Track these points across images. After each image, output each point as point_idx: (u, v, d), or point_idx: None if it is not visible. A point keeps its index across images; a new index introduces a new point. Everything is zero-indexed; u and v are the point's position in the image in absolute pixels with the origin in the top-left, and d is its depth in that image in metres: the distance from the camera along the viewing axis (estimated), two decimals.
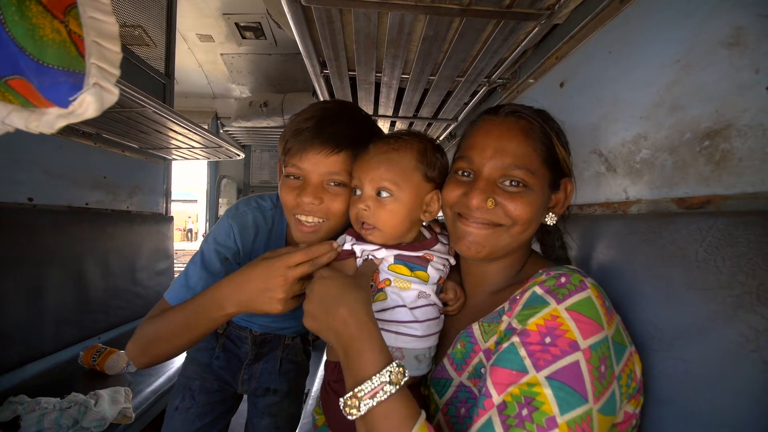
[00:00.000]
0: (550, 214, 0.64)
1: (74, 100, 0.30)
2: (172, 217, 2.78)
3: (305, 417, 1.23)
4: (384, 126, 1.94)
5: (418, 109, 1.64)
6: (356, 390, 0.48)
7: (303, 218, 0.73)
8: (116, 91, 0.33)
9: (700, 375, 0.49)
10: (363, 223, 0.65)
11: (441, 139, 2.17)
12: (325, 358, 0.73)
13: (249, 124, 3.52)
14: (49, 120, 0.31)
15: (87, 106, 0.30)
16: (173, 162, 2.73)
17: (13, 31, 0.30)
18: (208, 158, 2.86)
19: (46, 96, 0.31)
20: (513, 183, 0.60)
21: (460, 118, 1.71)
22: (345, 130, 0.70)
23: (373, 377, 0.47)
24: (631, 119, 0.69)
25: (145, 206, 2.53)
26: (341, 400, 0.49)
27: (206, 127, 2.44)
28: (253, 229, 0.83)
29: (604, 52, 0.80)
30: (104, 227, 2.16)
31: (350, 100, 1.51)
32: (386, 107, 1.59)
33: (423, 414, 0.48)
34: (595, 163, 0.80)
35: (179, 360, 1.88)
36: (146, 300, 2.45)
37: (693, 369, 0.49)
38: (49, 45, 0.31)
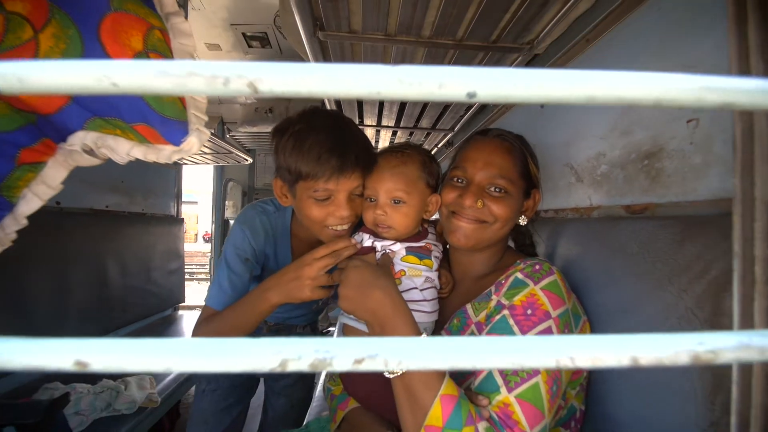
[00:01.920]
0: (522, 216, 0.79)
1: (184, 141, 0.44)
2: (182, 219, 2.92)
3: (315, 400, 1.37)
4: (386, 134, 2.09)
5: (418, 120, 1.79)
6: None
7: (335, 226, 0.82)
8: (208, 133, 0.47)
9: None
10: (378, 225, 0.79)
11: (440, 146, 2.32)
12: (338, 332, 0.87)
13: (255, 129, 3.66)
14: (166, 154, 0.45)
15: (192, 145, 0.44)
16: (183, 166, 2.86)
17: (145, 95, 0.45)
18: (217, 163, 3.00)
19: (166, 138, 0.45)
20: (497, 189, 0.74)
21: (456, 128, 1.86)
22: (359, 152, 0.79)
23: None
24: (594, 139, 0.84)
25: (157, 208, 2.66)
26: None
27: (212, 131, 2.58)
28: (262, 231, 0.94)
29: None
30: (122, 228, 2.29)
31: (356, 112, 1.65)
32: (389, 119, 1.74)
33: (447, 372, 0.61)
34: (567, 175, 0.94)
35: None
36: (159, 298, 2.59)
37: (619, 330, 0.64)
38: (167, 103, 0.45)
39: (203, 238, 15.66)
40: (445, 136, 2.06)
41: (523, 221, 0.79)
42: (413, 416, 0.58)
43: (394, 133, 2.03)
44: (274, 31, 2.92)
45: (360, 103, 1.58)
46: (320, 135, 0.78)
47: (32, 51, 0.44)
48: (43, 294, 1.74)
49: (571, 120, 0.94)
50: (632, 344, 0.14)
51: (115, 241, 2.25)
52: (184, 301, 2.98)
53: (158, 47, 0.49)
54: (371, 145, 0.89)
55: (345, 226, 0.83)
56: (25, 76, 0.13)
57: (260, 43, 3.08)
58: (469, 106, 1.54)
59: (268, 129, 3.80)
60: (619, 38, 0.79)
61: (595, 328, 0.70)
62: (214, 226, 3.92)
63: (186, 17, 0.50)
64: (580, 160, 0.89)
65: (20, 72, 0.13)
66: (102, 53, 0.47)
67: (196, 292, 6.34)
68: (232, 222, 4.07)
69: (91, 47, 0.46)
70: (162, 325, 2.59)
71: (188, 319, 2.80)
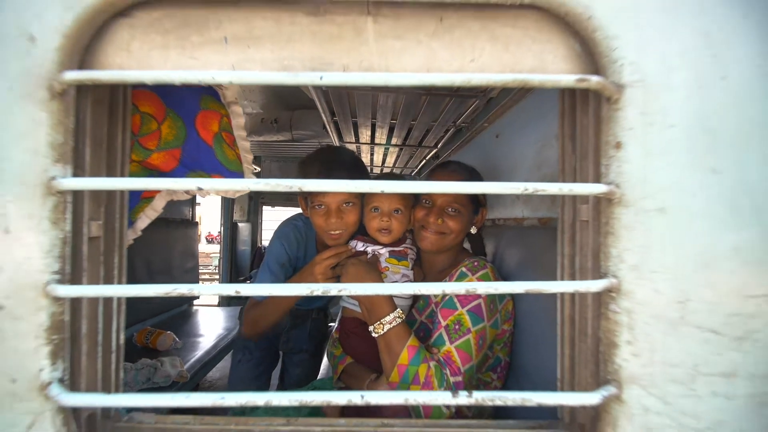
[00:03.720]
0: (473, 227, 1.09)
1: None
2: (197, 222, 3.22)
3: (322, 370, 1.69)
4: (380, 150, 2.39)
5: (406, 139, 2.09)
6: (382, 320, 0.90)
7: (331, 231, 1.13)
8: (254, 178, 0.76)
9: (536, 312, 0.94)
10: (381, 230, 1.08)
11: (428, 158, 2.62)
12: (340, 315, 1.18)
13: (260, 138, 3.95)
14: (231, 193, 0.75)
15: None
16: None
17: (218, 155, 0.74)
18: None
19: None
20: (453, 210, 1.04)
21: (440, 145, 2.16)
22: (343, 173, 1.08)
23: (390, 314, 0.90)
24: (525, 167, 1.14)
25: (175, 213, 2.97)
26: (371, 327, 0.91)
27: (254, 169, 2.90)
28: (294, 241, 1.27)
29: (517, 121, 1.25)
30: (146, 230, 2.58)
31: (352, 134, 1.95)
32: (380, 138, 2.04)
33: (412, 332, 0.91)
34: (514, 195, 1.24)
35: (207, 342, 2.33)
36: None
37: (533, 309, 0.95)
38: (231, 160, 0.75)
39: (206, 239, 15.90)
40: (430, 151, 2.36)
41: (474, 230, 1.10)
42: (390, 360, 0.88)
43: (387, 149, 2.33)
44: None
45: (356, 127, 1.88)
46: (317, 163, 1.12)
47: (157, 136, 0.73)
48: None
49: (515, 150, 1.24)
50: (520, 287, 0.44)
51: (141, 242, 2.55)
52: (198, 298, 3.29)
53: (226, 127, 0.80)
54: (361, 168, 1.20)
55: (339, 231, 1.12)
56: (202, 184, 0.43)
57: None
58: (447, 129, 1.84)
59: (274, 138, 4.10)
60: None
61: (516, 302, 1.01)
62: (223, 228, 4.22)
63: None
64: (518, 181, 1.19)
65: (201, 183, 0.43)
66: (197, 136, 0.77)
67: None
68: (240, 224, 4.36)
69: (191, 133, 0.77)
70: (180, 319, 2.89)
71: (202, 314, 3.11)
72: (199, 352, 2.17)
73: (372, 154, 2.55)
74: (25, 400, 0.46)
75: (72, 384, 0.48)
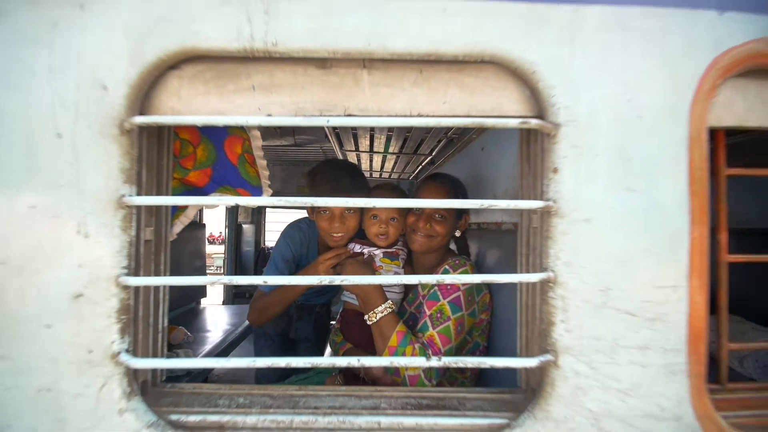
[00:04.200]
0: (457, 231, 1.23)
1: (262, 196, 0.88)
2: (204, 224, 3.36)
3: (326, 355, 1.85)
4: (378, 156, 2.53)
5: (402, 147, 2.23)
6: (375, 310, 1.04)
7: (334, 234, 1.27)
8: (270, 191, 0.91)
9: (510, 304, 1.07)
10: (379, 235, 1.23)
11: (423, 164, 2.76)
12: (341, 309, 1.32)
13: (265, 143, 4.10)
14: (250, 204, 0.90)
15: (267, 196, 0.89)
16: None
17: (241, 173, 0.89)
18: None
19: (252, 194, 0.89)
20: (439, 216, 1.18)
21: (434, 153, 2.30)
22: (346, 184, 1.23)
23: (382, 305, 1.05)
24: (505, 177, 1.28)
25: None
26: (366, 316, 1.06)
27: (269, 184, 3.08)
28: (299, 241, 1.42)
29: (499, 137, 1.39)
30: None
31: (352, 142, 2.10)
32: (378, 146, 2.18)
33: (401, 319, 1.05)
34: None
35: (216, 337, 2.47)
36: (186, 293, 3.03)
37: (507, 302, 1.08)
38: (251, 176, 0.89)
39: (207, 239, 16.03)
40: (426, 158, 2.50)
41: (458, 233, 1.24)
42: (382, 342, 1.02)
43: (384, 157, 2.48)
44: None
45: (356, 138, 2.02)
46: (325, 175, 1.27)
47: (193, 158, 0.88)
48: None
49: (497, 163, 1.38)
50: (478, 278, 0.58)
51: None
52: (205, 296, 3.43)
53: (248, 149, 0.95)
54: (362, 178, 1.34)
55: (341, 234, 1.27)
56: (240, 201, 0.57)
57: None
58: (440, 140, 1.98)
59: (277, 143, 4.25)
60: None
61: (494, 295, 1.15)
62: (227, 230, 4.36)
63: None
64: (498, 191, 1.33)
65: (239, 201, 0.57)
66: (225, 157, 0.92)
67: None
68: (244, 226, 4.50)
69: (220, 154, 0.92)
70: (189, 316, 3.03)
71: (209, 311, 3.25)
72: (209, 346, 2.31)
73: (371, 161, 2.69)
74: (99, 366, 0.60)
75: (133, 354, 0.62)
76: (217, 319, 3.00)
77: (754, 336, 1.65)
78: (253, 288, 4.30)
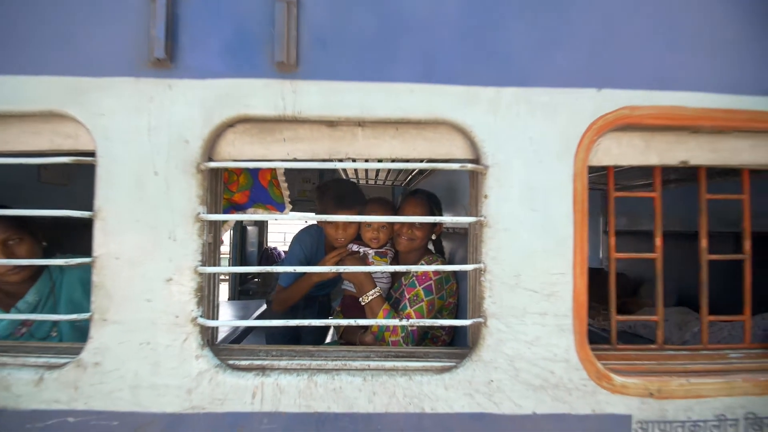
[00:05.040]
0: (433, 235, 1.54)
1: (285, 211, 1.19)
2: None
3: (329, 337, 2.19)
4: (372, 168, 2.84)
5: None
6: (367, 294, 1.36)
7: (338, 238, 1.57)
8: (290, 207, 1.22)
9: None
10: (372, 239, 1.53)
11: (413, 173, 3.08)
12: (341, 296, 1.64)
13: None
14: (273, 216, 1.20)
15: (288, 211, 1.20)
16: None
17: (270, 194, 1.20)
18: None
19: (278, 210, 1.20)
20: (419, 224, 1.49)
21: (424, 160, 2.61)
22: (349, 199, 1.56)
23: (372, 290, 1.37)
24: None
25: None
26: (360, 298, 1.37)
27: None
28: (309, 243, 1.72)
29: None
30: None
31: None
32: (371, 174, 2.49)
33: (386, 301, 1.37)
34: (462, 211, 1.70)
35: (224, 329, 2.77)
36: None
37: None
38: (277, 195, 1.21)
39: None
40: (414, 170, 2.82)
41: (434, 237, 1.56)
42: (372, 317, 1.34)
43: (378, 169, 2.79)
44: None
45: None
46: (331, 193, 1.59)
47: (237, 184, 1.20)
48: None
49: (464, 179, 1.70)
50: (431, 268, 0.89)
51: None
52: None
53: (275, 176, 1.28)
54: (360, 195, 1.66)
55: (343, 238, 1.59)
56: (278, 216, 0.87)
57: None
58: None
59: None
60: None
61: (459, 283, 1.47)
62: (232, 231, 4.65)
63: None
64: (466, 200, 1.64)
65: (277, 216, 0.88)
66: (259, 183, 1.23)
67: None
68: (249, 228, 4.79)
69: (255, 181, 1.23)
70: None
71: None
72: (218, 338, 2.62)
73: (367, 170, 3.00)
74: (182, 326, 0.90)
75: (205, 318, 0.93)
76: (223, 313, 3.29)
77: (696, 324, 2.00)
78: (254, 288, 4.60)
